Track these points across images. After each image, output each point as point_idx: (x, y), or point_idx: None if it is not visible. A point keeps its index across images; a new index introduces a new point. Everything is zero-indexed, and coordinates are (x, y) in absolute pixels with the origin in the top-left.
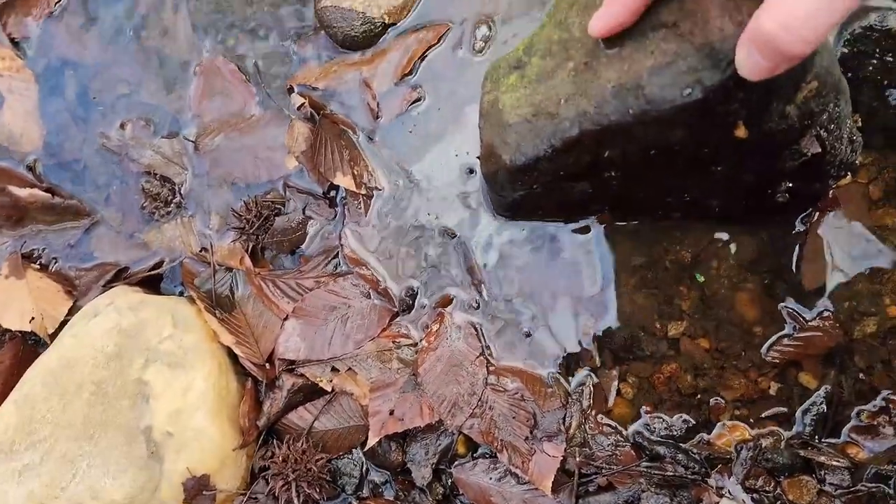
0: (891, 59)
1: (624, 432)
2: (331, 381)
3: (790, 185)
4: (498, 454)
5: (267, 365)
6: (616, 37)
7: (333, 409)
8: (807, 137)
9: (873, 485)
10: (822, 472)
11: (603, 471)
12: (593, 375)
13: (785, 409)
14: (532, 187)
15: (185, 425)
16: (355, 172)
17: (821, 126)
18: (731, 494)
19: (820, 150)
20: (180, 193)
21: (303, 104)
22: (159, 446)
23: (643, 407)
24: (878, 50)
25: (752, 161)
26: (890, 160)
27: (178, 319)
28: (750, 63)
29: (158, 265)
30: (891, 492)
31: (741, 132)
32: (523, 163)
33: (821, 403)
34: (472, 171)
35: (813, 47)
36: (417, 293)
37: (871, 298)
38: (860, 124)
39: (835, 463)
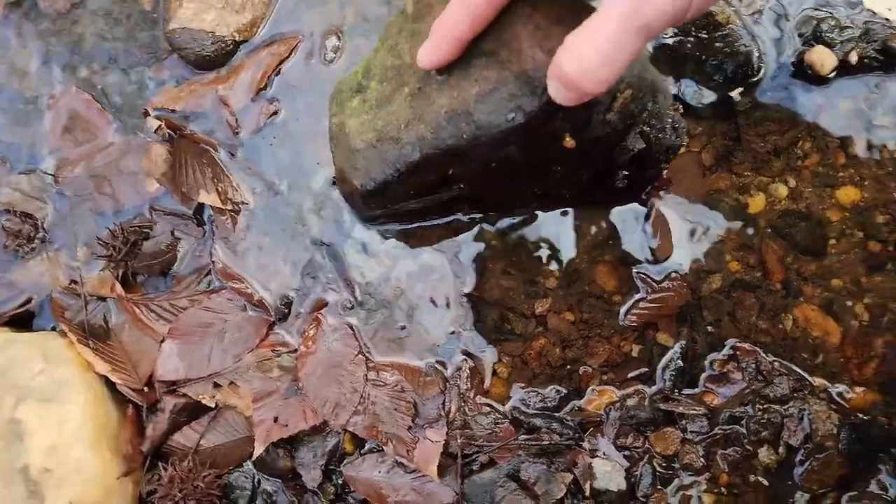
0: (705, 34)
1: (502, 409)
2: (213, 397)
3: (626, 173)
4: (384, 447)
5: (146, 389)
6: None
7: (219, 424)
8: (631, 135)
9: (728, 427)
10: (683, 422)
11: (484, 449)
12: (469, 359)
13: (647, 369)
14: (387, 207)
15: (64, 459)
16: (219, 189)
17: (643, 123)
18: (604, 454)
19: (644, 145)
20: (43, 228)
21: (159, 127)
22: (38, 484)
23: (518, 383)
24: (693, 28)
25: (586, 162)
26: (717, 129)
27: (49, 354)
28: (559, 94)
29: (27, 302)
30: (744, 431)
31: (569, 143)
32: (373, 187)
33: (678, 359)
34: (335, 181)
35: (611, 83)
36: (292, 301)
37: (713, 256)
38: (682, 111)
39: (692, 411)
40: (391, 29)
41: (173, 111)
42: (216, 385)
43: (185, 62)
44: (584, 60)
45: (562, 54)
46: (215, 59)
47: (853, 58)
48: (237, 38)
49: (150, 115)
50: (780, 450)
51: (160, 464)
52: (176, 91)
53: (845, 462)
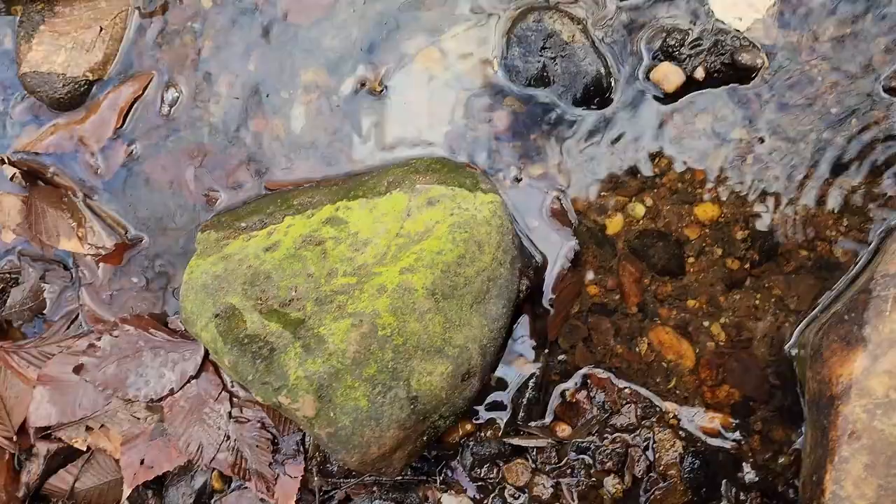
0: (550, 54)
1: None
2: (85, 440)
3: None
4: (247, 483)
5: (14, 438)
6: None
7: (92, 467)
8: None
9: (576, 457)
10: (534, 453)
11: (341, 485)
12: None
13: (502, 399)
14: None
15: None
16: (80, 234)
17: None
18: (456, 489)
19: None
20: None
21: (14, 175)
22: None
23: None
24: (539, 48)
25: None
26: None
27: None
28: None
29: None
30: (591, 461)
31: None
32: None
33: (532, 387)
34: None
35: None
36: None
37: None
38: None
39: (539, 444)
40: None
41: (36, 154)
42: (88, 428)
43: (42, 104)
44: None
45: None
46: (69, 100)
47: (699, 73)
48: (90, 77)
49: (5, 162)
50: (626, 479)
51: None
52: (38, 133)
53: (688, 490)
